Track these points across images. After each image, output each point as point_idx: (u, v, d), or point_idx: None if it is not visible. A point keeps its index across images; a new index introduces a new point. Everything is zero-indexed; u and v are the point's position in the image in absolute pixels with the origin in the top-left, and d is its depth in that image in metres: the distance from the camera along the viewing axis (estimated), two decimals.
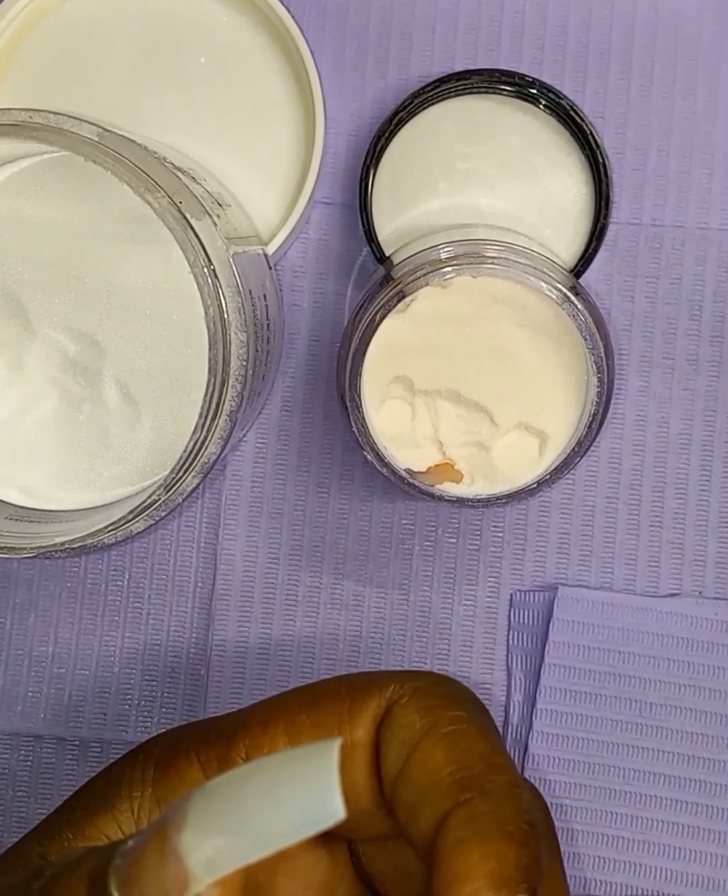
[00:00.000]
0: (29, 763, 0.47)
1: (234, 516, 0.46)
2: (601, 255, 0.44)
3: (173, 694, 0.47)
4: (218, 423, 0.35)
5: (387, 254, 0.43)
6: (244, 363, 0.35)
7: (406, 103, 0.43)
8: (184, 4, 0.44)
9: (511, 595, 0.46)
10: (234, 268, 0.36)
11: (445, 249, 0.39)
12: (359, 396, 0.38)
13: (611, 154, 0.44)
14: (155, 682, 0.47)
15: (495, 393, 0.39)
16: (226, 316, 0.34)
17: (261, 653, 0.46)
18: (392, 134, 0.44)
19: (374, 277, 0.42)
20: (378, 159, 0.44)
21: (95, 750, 0.47)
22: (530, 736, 0.45)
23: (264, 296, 0.39)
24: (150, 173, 0.34)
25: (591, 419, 0.38)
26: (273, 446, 0.46)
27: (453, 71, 0.44)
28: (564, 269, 0.40)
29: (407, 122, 0.44)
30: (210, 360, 0.34)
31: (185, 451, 0.35)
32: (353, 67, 0.46)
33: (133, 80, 0.44)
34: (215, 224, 0.36)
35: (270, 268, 0.42)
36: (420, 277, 0.38)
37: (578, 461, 0.39)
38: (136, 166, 0.34)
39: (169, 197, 0.34)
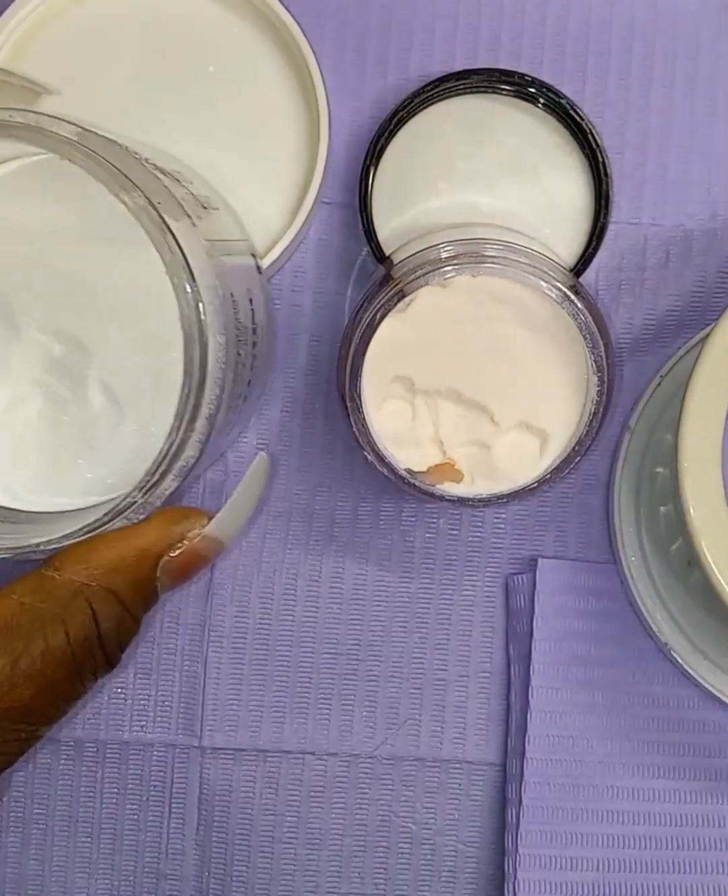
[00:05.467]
0: (25, 763, 0.47)
1: None
2: (601, 254, 0.44)
3: (169, 692, 0.46)
4: (195, 426, 0.35)
5: (387, 253, 0.43)
6: (223, 366, 0.35)
7: (406, 103, 0.43)
8: (194, 12, 0.44)
9: (506, 581, 0.46)
10: (214, 270, 0.35)
11: (445, 249, 0.39)
12: (359, 396, 0.38)
13: (611, 154, 0.44)
14: (150, 681, 0.46)
15: (495, 392, 0.39)
16: (203, 318, 0.34)
17: (259, 649, 0.46)
18: (392, 134, 0.44)
19: (374, 277, 0.42)
20: (378, 159, 0.44)
21: (91, 750, 0.47)
22: (528, 716, 0.45)
23: (251, 301, 0.39)
24: (128, 173, 0.34)
25: (591, 418, 0.38)
26: (274, 446, 0.46)
27: (453, 71, 0.44)
28: (564, 269, 0.40)
29: (407, 121, 0.44)
30: (185, 362, 0.34)
31: (159, 455, 0.34)
32: (353, 67, 0.46)
33: (140, 85, 0.44)
34: (195, 225, 0.36)
35: (260, 273, 0.41)
36: (420, 277, 0.38)
37: (579, 460, 0.39)
38: (114, 166, 0.34)
39: (146, 197, 0.34)
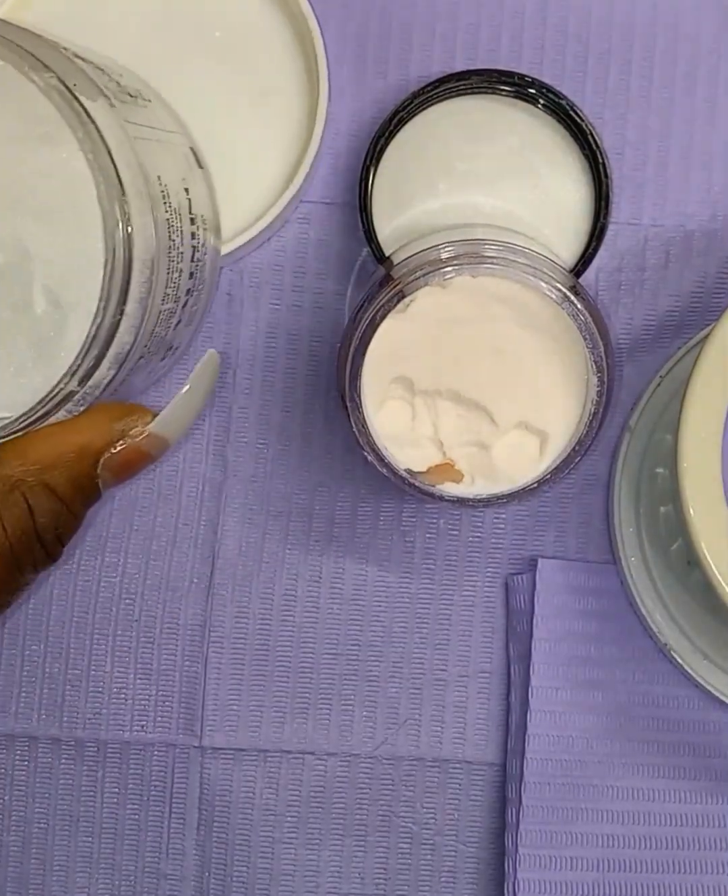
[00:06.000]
0: (26, 763, 0.47)
1: (234, 515, 0.46)
2: (601, 254, 0.44)
3: (169, 692, 0.46)
4: (126, 310, 0.34)
5: (387, 254, 0.43)
6: (153, 248, 0.34)
7: (406, 103, 0.43)
8: None
9: (506, 581, 0.46)
10: (133, 150, 0.35)
11: (445, 249, 0.39)
12: (359, 396, 0.38)
13: (610, 154, 0.44)
14: (150, 681, 0.47)
15: (495, 392, 0.39)
16: (124, 196, 0.34)
17: (259, 649, 0.46)
18: (392, 134, 0.44)
19: (374, 277, 0.42)
20: (378, 159, 0.44)
21: (91, 750, 0.47)
22: (528, 716, 0.45)
23: (186, 190, 0.38)
24: (40, 55, 0.34)
25: (591, 418, 0.38)
26: (273, 446, 0.46)
27: (453, 71, 0.44)
28: (564, 269, 0.40)
29: (407, 122, 0.44)
30: (104, 238, 0.34)
31: (86, 336, 0.34)
32: (353, 68, 0.46)
33: (146, 45, 0.44)
34: (113, 107, 0.35)
35: (202, 167, 0.41)
36: (420, 277, 0.38)
37: (579, 460, 0.39)
38: (26, 50, 0.34)
39: (57, 77, 0.33)
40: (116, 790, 0.47)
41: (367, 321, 0.38)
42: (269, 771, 0.47)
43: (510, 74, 0.43)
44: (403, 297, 0.38)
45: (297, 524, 0.46)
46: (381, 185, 0.44)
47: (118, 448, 0.35)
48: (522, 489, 0.39)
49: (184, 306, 0.39)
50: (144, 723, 0.47)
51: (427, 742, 0.47)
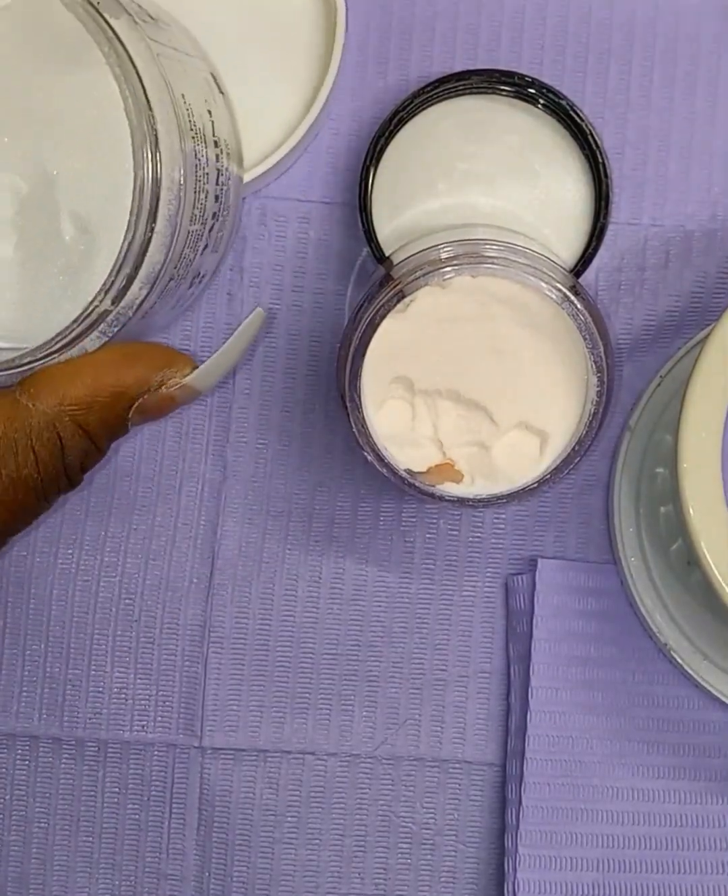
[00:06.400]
0: (27, 763, 0.47)
1: (234, 515, 0.46)
2: (601, 254, 0.44)
3: (170, 692, 0.46)
4: (156, 227, 0.35)
5: (386, 254, 0.43)
6: (180, 166, 0.35)
7: (406, 103, 0.43)
8: None
9: (506, 581, 0.46)
10: (158, 67, 0.35)
11: (445, 249, 0.39)
12: (359, 396, 0.38)
13: (610, 154, 0.44)
14: (150, 681, 0.47)
15: (495, 392, 0.39)
16: (151, 111, 0.34)
17: (259, 649, 0.46)
18: (392, 134, 0.44)
19: (374, 277, 0.42)
20: (378, 159, 0.44)
21: (92, 750, 0.47)
22: (528, 716, 0.45)
23: (209, 112, 0.39)
24: None
25: (590, 418, 0.38)
26: (273, 446, 0.46)
27: (453, 71, 0.44)
28: (564, 269, 0.40)
29: (407, 122, 0.44)
30: (134, 154, 0.34)
31: (119, 253, 0.34)
32: (353, 68, 0.46)
33: None
34: (135, 24, 0.36)
35: (223, 93, 0.41)
36: (420, 277, 0.38)
37: (579, 460, 0.39)
38: None
39: None
40: (117, 790, 0.47)
41: (367, 321, 0.38)
42: (269, 771, 0.47)
43: (510, 74, 0.43)
44: (403, 297, 0.38)
45: (296, 524, 0.46)
46: (381, 185, 0.44)
47: (152, 395, 0.36)
48: (522, 489, 0.39)
49: (210, 230, 0.39)
50: (145, 723, 0.47)
51: (427, 742, 0.47)
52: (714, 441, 0.37)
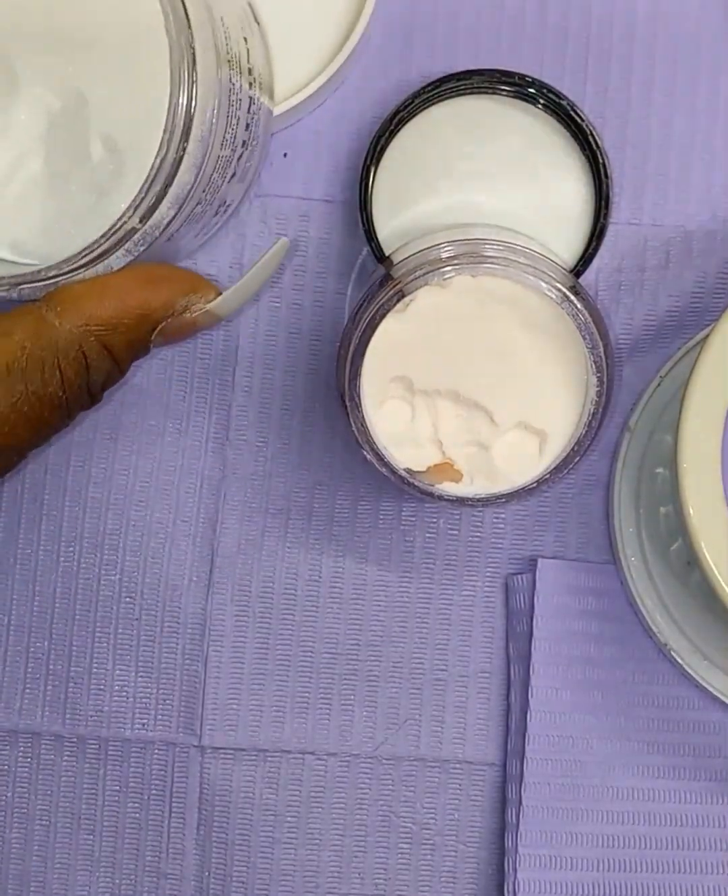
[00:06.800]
0: (29, 760, 0.47)
1: (233, 514, 0.46)
2: (601, 254, 0.44)
3: (170, 690, 0.47)
4: (188, 148, 0.35)
5: (387, 253, 0.43)
6: (215, 88, 0.35)
7: (407, 103, 0.43)
8: None
9: (506, 581, 0.46)
10: None
11: (445, 249, 0.39)
12: (358, 396, 0.38)
13: (611, 153, 0.44)
14: (151, 679, 0.47)
15: (495, 392, 0.39)
16: (189, 28, 0.34)
17: (259, 648, 0.46)
18: (393, 133, 0.44)
19: (374, 277, 0.42)
20: (378, 159, 0.44)
21: (93, 747, 0.47)
22: (528, 716, 0.45)
23: (245, 40, 0.39)
24: None
25: (590, 418, 0.38)
26: (273, 445, 0.46)
27: (454, 71, 0.44)
28: (564, 269, 0.40)
29: (407, 121, 0.44)
30: (171, 70, 0.34)
31: (150, 170, 0.35)
32: (354, 67, 0.46)
33: None
34: None
35: (258, 23, 0.42)
36: (420, 277, 0.38)
37: (578, 460, 0.39)
38: None
39: None
40: (117, 788, 0.47)
41: (367, 320, 0.38)
42: (269, 771, 0.47)
43: (511, 74, 0.43)
44: (403, 296, 0.38)
45: (296, 523, 0.46)
46: (381, 185, 0.44)
47: (175, 319, 0.37)
48: (522, 489, 0.39)
49: (238, 158, 0.39)
50: (146, 721, 0.47)
51: (427, 742, 0.47)
52: (714, 441, 0.37)
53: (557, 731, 0.46)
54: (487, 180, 0.44)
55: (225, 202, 0.41)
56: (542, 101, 0.44)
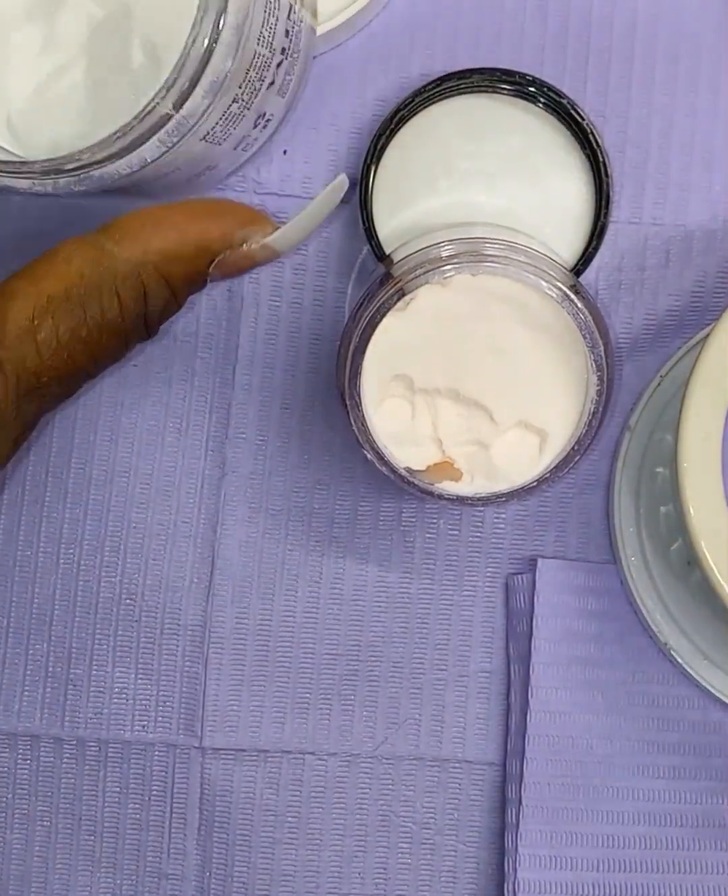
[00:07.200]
0: (28, 762, 0.47)
1: (233, 514, 0.46)
2: (601, 253, 0.44)
3: (170, 692, 0.46)
4: (222, 36, 0.34)
5: (387, 252, 0.43)
6: None
7: (407, 102, 0.43)
8: None
9: (506, 581, 0.46)
10: None
11: (445, 248, 0.39)
12: (358, 395, 0.38)
13: (611, 153, 0.44)
14: (151, 681, 0.47)
15: (495, 391, 0.39)
16: None
17: (259, 649, 0.46)
18: (393, 132, 0.44)
19: (375, 276, 0.42)
20: (378, 158, 0.44)
21: (93, 749, 0.47)
22: (528, 716, 0.45)
23: None
24: None
25: (590, 417, 0.38)
26: (273, 444, 0.46)
27: (454, 70, 0.44)
28: (564, 268, 0.40)
29: (408, 120, 0.44)
30: None
31: (183, 50, 0.34)
32: (354, 67, 0.46)
33: None
34: None
35: None
36: (420, 275, 0.38)
37: (579, 459, 0.39)
38: None
39: None
40: (118, 790, 0.47)
41: (367, 319, 0.38)
42: (270, 771, 0.47)
43: (511, 73, 0.43)
44: (403, 295, 0.38)
45: (296, 523, 0.46)
46: (381, 184, 0.44)
47: (233, 252, 0.37)
48: (522, 488, 0.39)
49: (278, 65, 0.39)
50: (146, 723, 0.47)
51: (427, 742, 0.47)
52: (714, 441, 0.37)
53: (557, 731, 0.46)
54: (488, 179, 0.44)
55: (264, 113, 0.40)
56: (542, 100, 0.44)
